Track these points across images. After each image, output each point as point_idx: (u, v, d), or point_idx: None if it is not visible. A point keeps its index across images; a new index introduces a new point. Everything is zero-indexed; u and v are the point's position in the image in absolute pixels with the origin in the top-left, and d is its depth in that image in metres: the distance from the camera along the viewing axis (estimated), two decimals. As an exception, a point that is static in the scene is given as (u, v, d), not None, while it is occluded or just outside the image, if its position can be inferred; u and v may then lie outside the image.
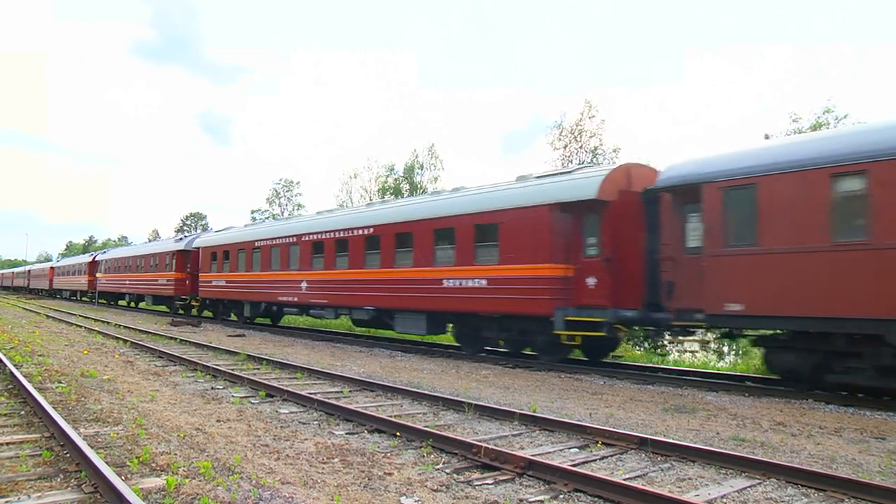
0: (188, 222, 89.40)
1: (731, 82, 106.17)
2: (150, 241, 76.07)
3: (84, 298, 52.29)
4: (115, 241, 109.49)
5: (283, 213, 61.02)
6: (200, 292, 28.88)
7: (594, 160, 33.29)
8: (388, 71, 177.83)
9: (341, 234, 19.27)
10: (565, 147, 34.64)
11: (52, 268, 65.17)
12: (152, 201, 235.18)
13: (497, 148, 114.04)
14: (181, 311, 31.93)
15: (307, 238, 21.00)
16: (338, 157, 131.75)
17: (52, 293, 63.79)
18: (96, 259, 48.76)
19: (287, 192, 65.23)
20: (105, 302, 46.78)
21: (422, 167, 44.70)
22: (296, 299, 21.27)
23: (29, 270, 78.27)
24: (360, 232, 18.44)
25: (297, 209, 62.30)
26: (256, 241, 24.42)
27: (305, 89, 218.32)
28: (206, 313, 30.92)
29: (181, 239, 33.63)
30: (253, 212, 65.56)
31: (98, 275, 46.24)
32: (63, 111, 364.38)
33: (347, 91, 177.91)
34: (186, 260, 31.12)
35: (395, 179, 45.44)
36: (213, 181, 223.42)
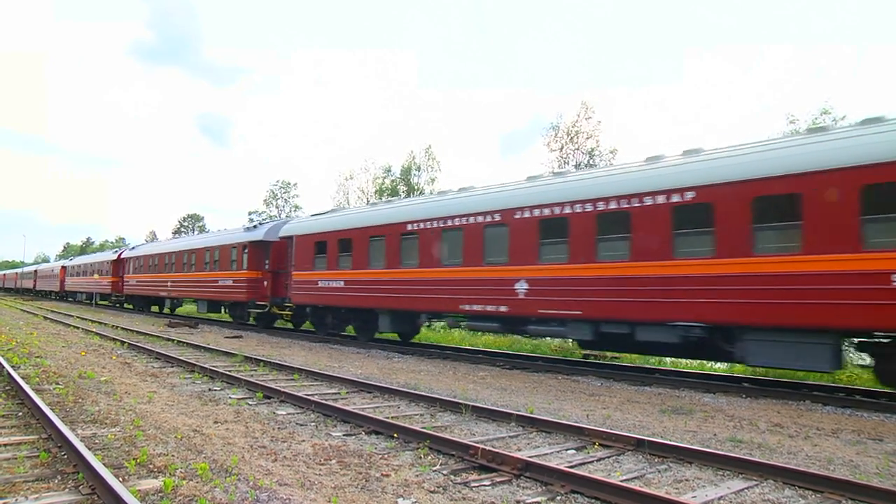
0: (186, 223, 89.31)
1: (731, 82, 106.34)
2: (147, 241, 74.06)
3: (103, 302, 45.78)
4: (112, 243, 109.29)
5: (280, 214, 60.96)
6: (295, 297, 21.33)
7: (591, 162, 33.38)
8: (388, 71, 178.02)
9: (612, 206, 12.09)
10: (561, 148, 34.75)
11: (63, 267, 57.86)
12: (150, 203, 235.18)
13: (496, 148, 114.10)
14: (252, 321, 25.25)
15: (528, 214, 13.64)
16: (338, 158, 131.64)
17: (63, 296, 57.69)
18: (123, 256, 40.87)
19: (284, 193, 65.30)
20: (132, 307, 40.36)
21: (419, 169, 44.77)
22: (504, 309, 13.94)
23: (35, 270, 71.31)
24: (662, 200, 11.35)
25: (294, 211, 62.30)
26: (410, 222, 16.63)
27: (305, 89, 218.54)
28: (279, 323, 24.43)
29: (256, 226, 25.83)
30: (250, 213, 65.64)
31: (126, 275, 39.18)
32: (62, 112, 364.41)
33: (347, 91, 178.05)
34: (264, 254, 23.85)
35: (392, 181, 45.50)
36: (210, 183, 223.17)
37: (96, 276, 44.86)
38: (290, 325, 24.13)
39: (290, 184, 65.77)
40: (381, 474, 5.65)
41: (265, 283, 23.61)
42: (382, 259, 17.50)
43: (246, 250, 24.61)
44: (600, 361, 15.46)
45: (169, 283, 32.19)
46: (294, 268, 21.56)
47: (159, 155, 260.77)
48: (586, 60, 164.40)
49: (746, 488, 5.44)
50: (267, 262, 23.72)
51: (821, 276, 9.45)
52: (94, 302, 47.07)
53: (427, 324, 18.62)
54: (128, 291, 38.95)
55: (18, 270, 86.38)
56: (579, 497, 5.15)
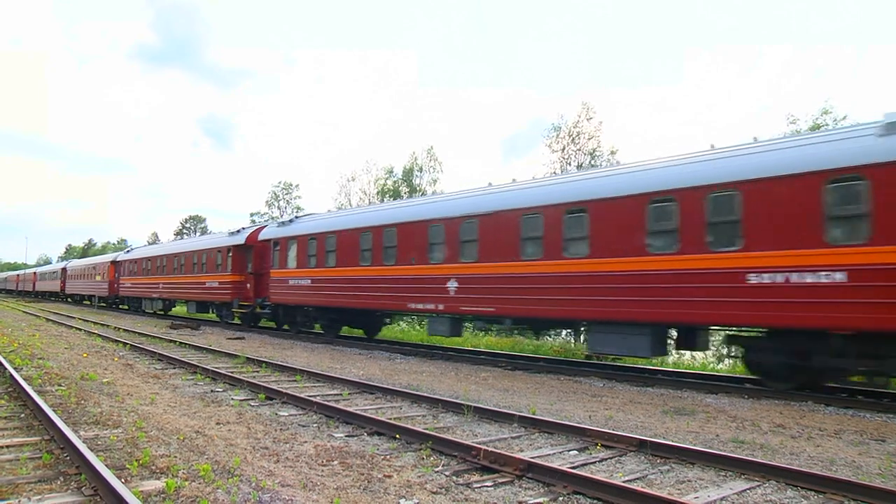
0: (188, 225, 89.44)
1: (731, 82, 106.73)
2: (149, 243, 65.13)
3: (210, 316, 30.11)
4: (114, 245, 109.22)
5: (282, 216, 61.11)
6: None
7: (592, 162, 33.37)
8: (388, 71, 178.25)
9: None
10: (563, 149, 34.73)
11: (113, 263, 42.43)
12: (152, 205, 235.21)
13: (497, 148, 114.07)
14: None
15: None
16: (338, 157, 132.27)
17: (113, 302, 42.95)
18: (262, 238, 23.71)
19: (286, 194, 65.37)
20: (289, 327, 22.77)
21: (421, 170, 44.79)
22: None
23: (64, 269, 57.35)
24: None
25: (296, 212, 62.34)
26: None
27: (305, 89, 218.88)
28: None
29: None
30: (252, 214, 65.76)
31: (276, 270, 22.07)
32: (63, 113, 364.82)
33: (348, 91, 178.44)
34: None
35: (395, 182, 45.53)
36: (212, 184, 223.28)
37: (191, 274, 29.69)
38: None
39: (291, 185, 65.88)
40: (384, 475, 5.66)
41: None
42: None
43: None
44: (602, 362, 15.46)
45: (453, 283, 15.02)
46: None
47: (161, 156, 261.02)
48: (586, 60, 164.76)
49: (749, 489, 5.43)
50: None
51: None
52: (159, 315, 34.32)
53: None
54: (277, 299, 22.12)
55: (38, 269, 71.42)
56: (581, 498, 5.14)
